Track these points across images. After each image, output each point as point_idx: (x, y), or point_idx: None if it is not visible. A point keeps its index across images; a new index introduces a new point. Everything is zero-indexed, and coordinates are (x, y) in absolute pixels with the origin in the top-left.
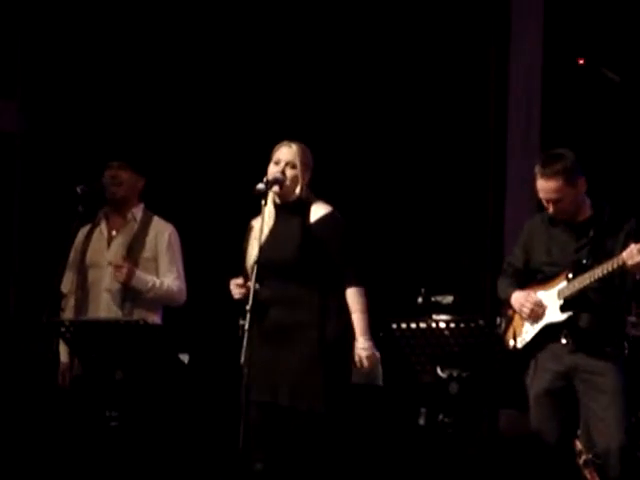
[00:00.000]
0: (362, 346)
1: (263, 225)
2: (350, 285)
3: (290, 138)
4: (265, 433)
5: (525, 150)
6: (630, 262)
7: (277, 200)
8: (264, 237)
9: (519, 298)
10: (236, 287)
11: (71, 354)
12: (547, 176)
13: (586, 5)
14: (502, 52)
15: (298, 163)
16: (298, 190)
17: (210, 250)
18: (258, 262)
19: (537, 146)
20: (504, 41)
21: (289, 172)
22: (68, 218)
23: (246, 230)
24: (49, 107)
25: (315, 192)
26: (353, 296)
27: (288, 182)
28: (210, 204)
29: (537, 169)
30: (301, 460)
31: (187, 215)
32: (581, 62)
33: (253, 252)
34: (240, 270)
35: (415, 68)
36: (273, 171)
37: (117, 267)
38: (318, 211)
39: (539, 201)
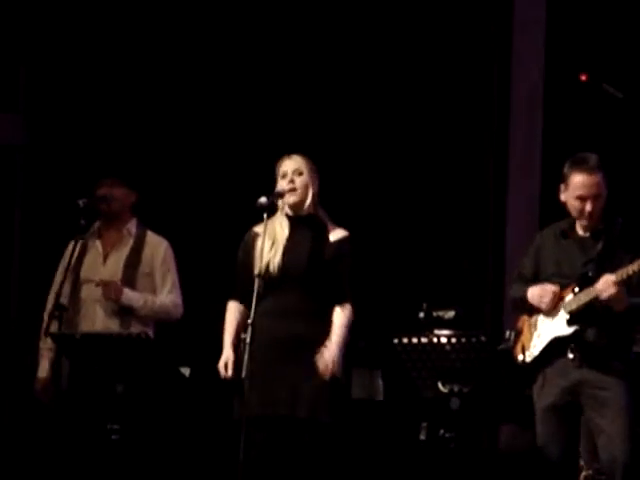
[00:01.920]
0: (332, 354)
1: (265, 237)
2: (345, 301)
3: (284, 149)
4: (265, 446)
5: (527, 166)
6: (604, 295)
7: (289, 212)
8: (280, 247)
9: (536, 291)
10: (224, 368)
11: (54, 368)
12: (589, 170)
13: (588, 22)
14: (504, 68)
15: (305, 170)
16: (309, 198)
17: (210, 263)
18: (276, 272)
19: (539, 163)
20: (506, 57)
21: (298, 180)
22: (69, 231)
23: (246, 236)
24: (51, 121)
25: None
26: (344, 311)
27: (299, 190)
28: (209, 218)
29: (575, 167)
30: (302, 474)
31: (186, 229)
32: (583, 78)
33: (273, 259)
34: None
35: (415, 89)
36: (282, 184)
37: (105, 285)
38: (337, 232)
39: (540, 216)
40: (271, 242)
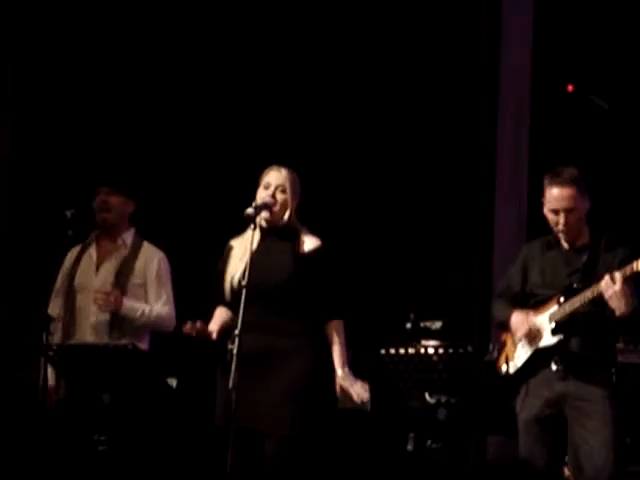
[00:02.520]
0: (344, 377)
1: (252, 249)
2: (333, 318)
3: (275, 159)
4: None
5: (514, 176)
6: (609, 292)
7: (264, 224)
8: (248, 260)
9: (518, 319)
10: (191, 325)
11: (57, 377)
12: (562, 183)
13: (575, 33)
14: (492, 79)
15: (288, 187)
16: (287, 215)
17: (199, 275)
18: (247, 285)
19: (525, 173)
20: (494, 68)
21: (279, 196)
22: (57, 242)
23: (224, 250)
24: (39, 132)
25: (301, 217)
26: (336, 329)
27: (278, 206)
28: (199, 229)
29: (549, 180)
30: None
31: (176, 239)
32: (570, 89)
33: (236, 274)
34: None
35: (402, 101)
36: (263, 195)
37: (106, 296)
38: (309, 242)
39: (527, 227)
40: (241, 255)
